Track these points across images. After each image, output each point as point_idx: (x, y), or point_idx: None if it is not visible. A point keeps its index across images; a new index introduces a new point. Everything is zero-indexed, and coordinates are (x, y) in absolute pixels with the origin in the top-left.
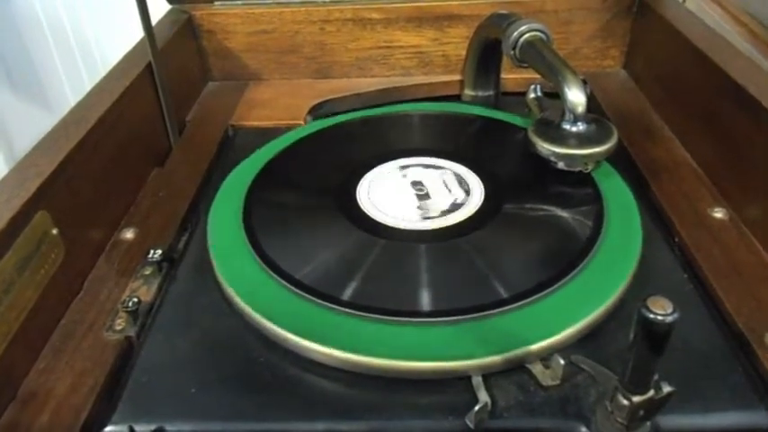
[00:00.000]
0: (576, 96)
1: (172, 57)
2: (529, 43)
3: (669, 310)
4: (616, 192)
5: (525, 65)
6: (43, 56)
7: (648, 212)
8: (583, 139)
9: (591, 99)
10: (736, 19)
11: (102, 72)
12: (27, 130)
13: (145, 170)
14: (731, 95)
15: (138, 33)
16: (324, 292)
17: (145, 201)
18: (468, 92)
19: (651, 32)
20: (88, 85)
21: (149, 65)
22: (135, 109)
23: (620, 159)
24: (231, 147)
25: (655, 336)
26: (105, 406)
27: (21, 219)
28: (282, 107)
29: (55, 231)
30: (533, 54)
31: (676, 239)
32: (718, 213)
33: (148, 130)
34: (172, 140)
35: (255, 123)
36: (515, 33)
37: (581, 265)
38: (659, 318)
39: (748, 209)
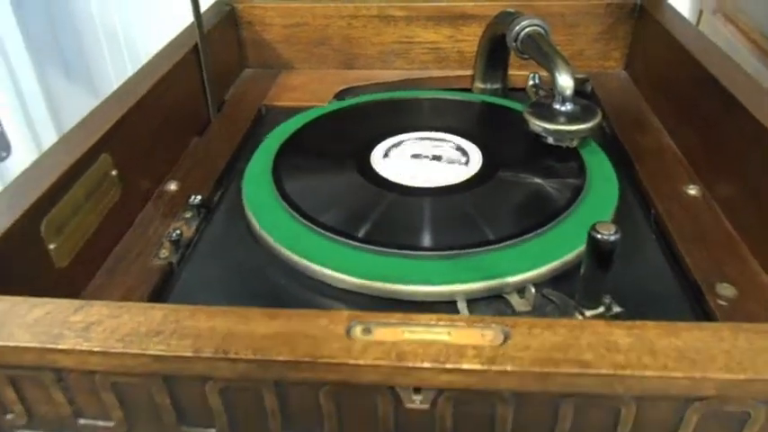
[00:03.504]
0: (565, 81)
1: (214, 43)
2: (529, 36)
3: (613, 231)
4: (600, 166)
5: (526, 56)
6: (94, 49)
7: (630, 188)
8: (570, 118)
9: (591, 96)
10: (747, 36)
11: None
12: (77, 112)
13: (187, 137)
14: (711, 90)
15: (175, 31)
16: (338, 229)
17: (186, 161)
18: (479, 84)
19: (649, 36)
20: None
21: (195, 47)
22: (181, 83)
23: (611, 145)
24: (263, 122)
25: (601, 252)
26: None
27: (90, 156)
28: (311, 92)
29: (114, 173)
30: (532, 45)
31: (653, 210)
32: (693, 190)
33: (191, 104)
34: (211, 115)
35: (286, 103)
36: (518, 27)
37: (558, 219)
38: (604, 237)
39: (719, 187)
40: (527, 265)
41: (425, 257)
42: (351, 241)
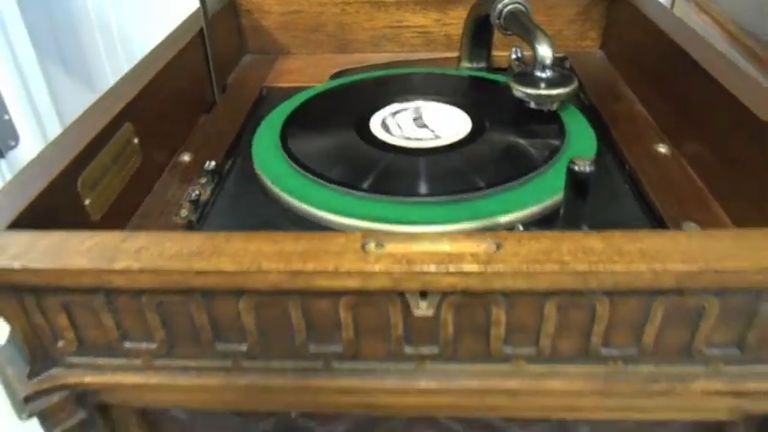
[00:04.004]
0: (545, 50)
1: (216, 30)
2: (511, 13)
3: (588, 163)
4: (579, 126)
5: (509, 32)
6: (91, 46)
7: (607, 149)
8: (550, 84)
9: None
10: (720, 25)
11: (139, 59)
12: (75, 105)
13: (195, 116)
14: (679, 62)
15: (169, 28)
16: (343, 181)
17: (196, 136)
18: (465, 64)
19: (622, 15)
20: (127, 70)
21: (199, 33)
22: (188, 66)
23: (589, 114)
24: (264, 102)
25: (578, 182)
26: None
27: (115, 123)
28: (308, 74)
29: (136, 140)
30: (514, 21)
31: (627, 166)
32: (662, 149)
33: (198, 85)
34: (216, 96)
35: (285, 84)
36: (500, 5)
37: (540, 169)
38: (581, 168)
39: (686, 146)
40: (515, 207)
41: (424, 203)
42: (355, 191)
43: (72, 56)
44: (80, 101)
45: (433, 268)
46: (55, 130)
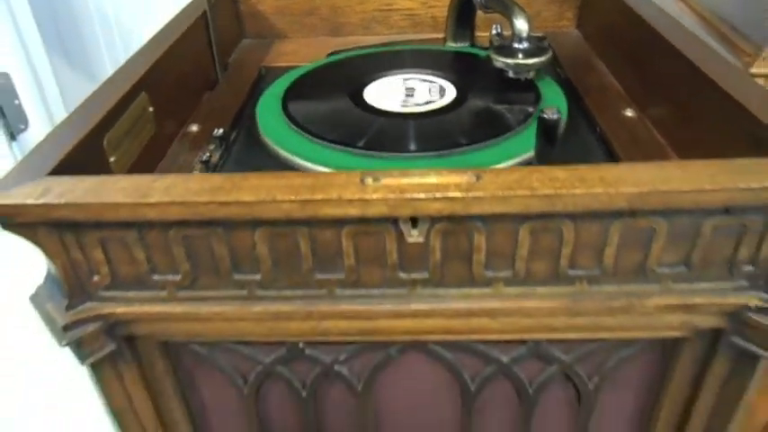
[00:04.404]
0: (521, 24)
1: (216, 15)
2: None
3: (556, 111)
4: (552, 94)
5: (490, 9)
6: (91, 37)
7: (579, 114)
8: (526, 54)
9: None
10: (697, 13)
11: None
12: (78, 93)
13: (200, 92)
14: (647, 37)
15: (165, 20)
16: (340, 140)
17: (202, 109)
18: (450, 43)
19: None
20: (124, 59)
21: (201, 16)
22: (193, 45)
23: (566, 86)
24: (264, 80)
25: (547, 128)
26: None
27: (133, 92)
28: (303, 55)
29: (150, 109)
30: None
31: (597, 128)
32: (630, 113)
33: (201, 65)
34: (219, 75)
35: (283, 64)
36: None
37: (517, 129)
38: (549, 116)
39: (651, 110)
40: (495, 161)
41: (413, 158)
42: (352, 149)
43: (73, 47)
44: (82, 89)
45: (422, 195)
46: (61, 115)
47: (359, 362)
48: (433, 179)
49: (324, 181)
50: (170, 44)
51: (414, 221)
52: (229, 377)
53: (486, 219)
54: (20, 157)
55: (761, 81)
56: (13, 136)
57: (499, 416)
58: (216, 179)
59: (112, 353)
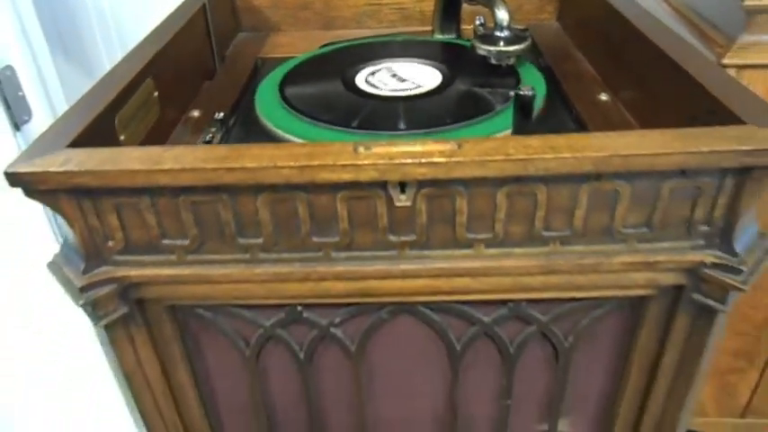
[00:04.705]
0: (503, 14)
1: (214, 9)
2: None
3: (531, 88)
4: (532, 79)
5: (473, 2)
6: (88, 33)
7: (557, 99)
8: (507, 42)
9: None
10: (675, 8)
11: (132, 46)
12: (77, 87)
13: (199, 81)
14: (621, 25)
15: (162, 16)
16: (332, 121)
17: (202, 97)
18: (437, 35)
19: None
20: (121, 56)
21: (200, 10)
22: (191, 38)
23: (546, 73)
24: (260, 71)
25: (523, 105)
26: None
27: (140, 78)
28: (298, 47)
29: (156, 94)
30: None
31: (573, 111)
32: (604, 97)
33: (200, 56)
34: (217, 65)
35: (278, 55)
36: None
37: (498, 110)
38: (524, 92)
39: (623, 94)
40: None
41: (401, 135)
42: (345, 128)
43: (72, 44)
44: (81, 84)
45: (409, 161)
46: (62, 108)
47: (353, 324)
48: (418, 147)
49: (320, 149)
50: (172, 35)
51: (402, 187)
52: (232, 340)
53: (467, 183)
54: (24, 147)
55: (732, 72)
56: (17, 126)
57: (483, 374)
58: (222, 149)
59: (125, 315)
